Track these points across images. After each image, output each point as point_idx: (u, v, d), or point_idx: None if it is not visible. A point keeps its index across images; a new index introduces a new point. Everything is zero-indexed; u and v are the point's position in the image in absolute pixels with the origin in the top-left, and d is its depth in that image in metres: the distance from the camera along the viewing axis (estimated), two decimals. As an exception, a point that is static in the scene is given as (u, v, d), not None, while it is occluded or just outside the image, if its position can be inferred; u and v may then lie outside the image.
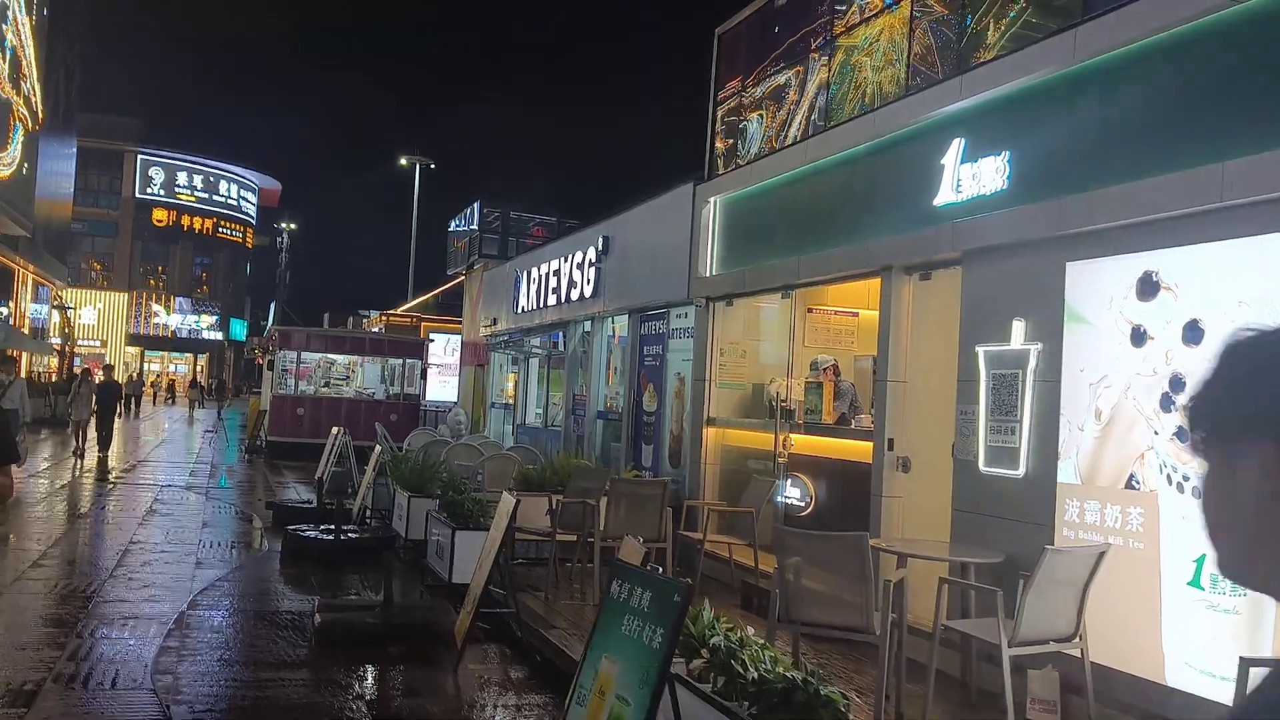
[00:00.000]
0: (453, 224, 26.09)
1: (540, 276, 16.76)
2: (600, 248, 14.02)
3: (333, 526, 11.59)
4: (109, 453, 21.24)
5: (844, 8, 9.43)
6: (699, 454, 10.87)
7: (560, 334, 16.48)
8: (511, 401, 19.43)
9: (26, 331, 42.84)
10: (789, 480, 9.39)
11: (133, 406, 42.12)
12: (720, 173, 11.08)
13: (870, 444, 8.20)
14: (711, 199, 10.98)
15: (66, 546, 11.01)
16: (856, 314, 10.75)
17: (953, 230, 7.19)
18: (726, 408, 10.86)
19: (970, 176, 7.10)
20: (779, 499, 9.40)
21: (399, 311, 38.80)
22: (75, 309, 59.10)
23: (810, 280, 9.32)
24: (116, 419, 23.05)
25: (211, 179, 78.02)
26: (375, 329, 35.57)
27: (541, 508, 9.65)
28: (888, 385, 7.92)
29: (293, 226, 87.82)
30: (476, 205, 23.04)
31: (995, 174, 6.87)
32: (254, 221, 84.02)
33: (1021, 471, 6.46)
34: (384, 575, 8.37)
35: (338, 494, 15.17)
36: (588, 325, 15.02)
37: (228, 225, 79.50)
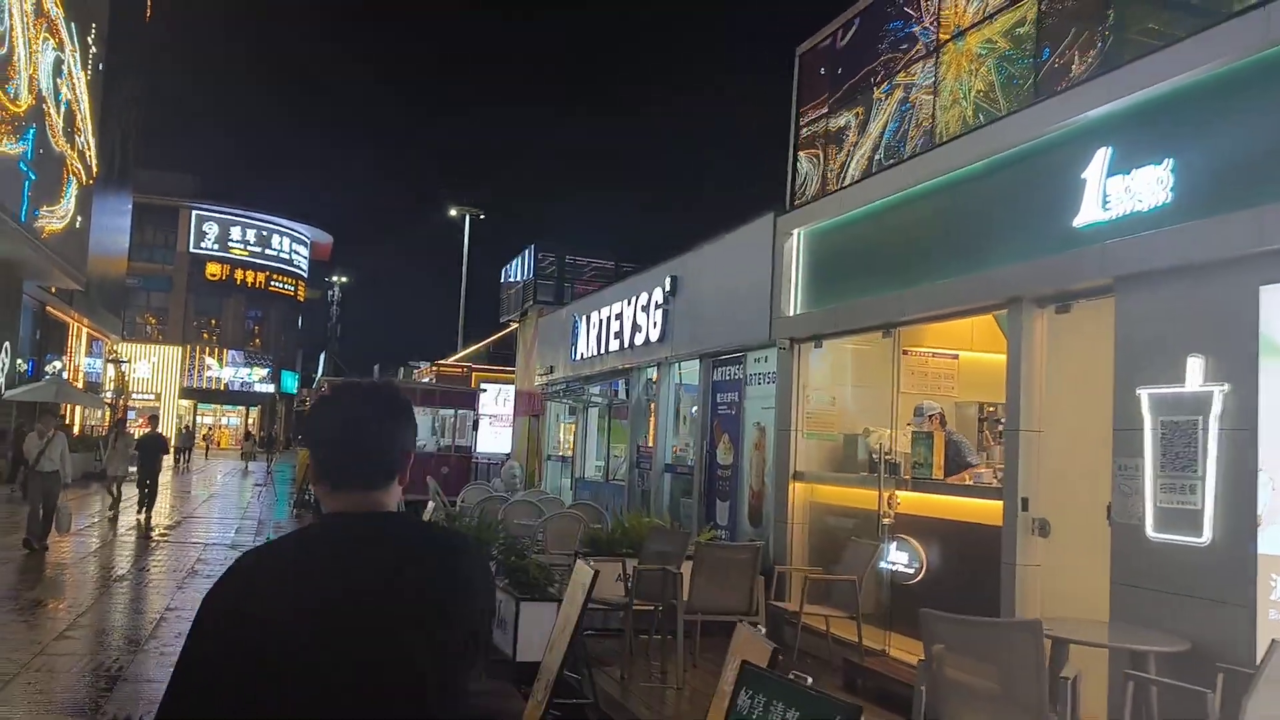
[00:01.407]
0: (505, 271, 25.37)
1: (600, 321, 15.87)
2: (668, 289, 13.10)
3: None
4: (152, 510, 19.62)
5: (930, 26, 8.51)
6: (784, 512, 9.81)
7: (622, 382, 15.54)
8: (569, 454, 18.48)
9: (81, 385, 42.82)
10: (894, 543, 8.31)
11: (184, 459, 41.67)
12: (804, 202, 10.13)
13: (994, 503, 7.13)
14: (794, 231, 10.03)
15: (97, 615, 10.16)
16: (956, 356, 9.70)
17: (1102, 253, 6.16)
18: (815, 461, 9.81)
19: (1122, 190, 6.08)
20: (883, 565, 8.32)
21: (449, 361, 38.19)
22: (130, 362, 59.37)
23: (917, 317, 8.31)
24: (164, 473, 21.85)
25: (264, 233, 78.62)
26: (425, 379, 34.93)
27: (611, 573, 8.66)
28: (1019, 435, 6.85)
29: (344, 279, 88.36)
30: (530, 250, 22.28)
31: (1156, 186, 5.85)
32: (306, 275, 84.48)
33: (1206, 539, 5.36)
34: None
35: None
36: (653, 372, 14.08)
37: (280, 279, 79.93)
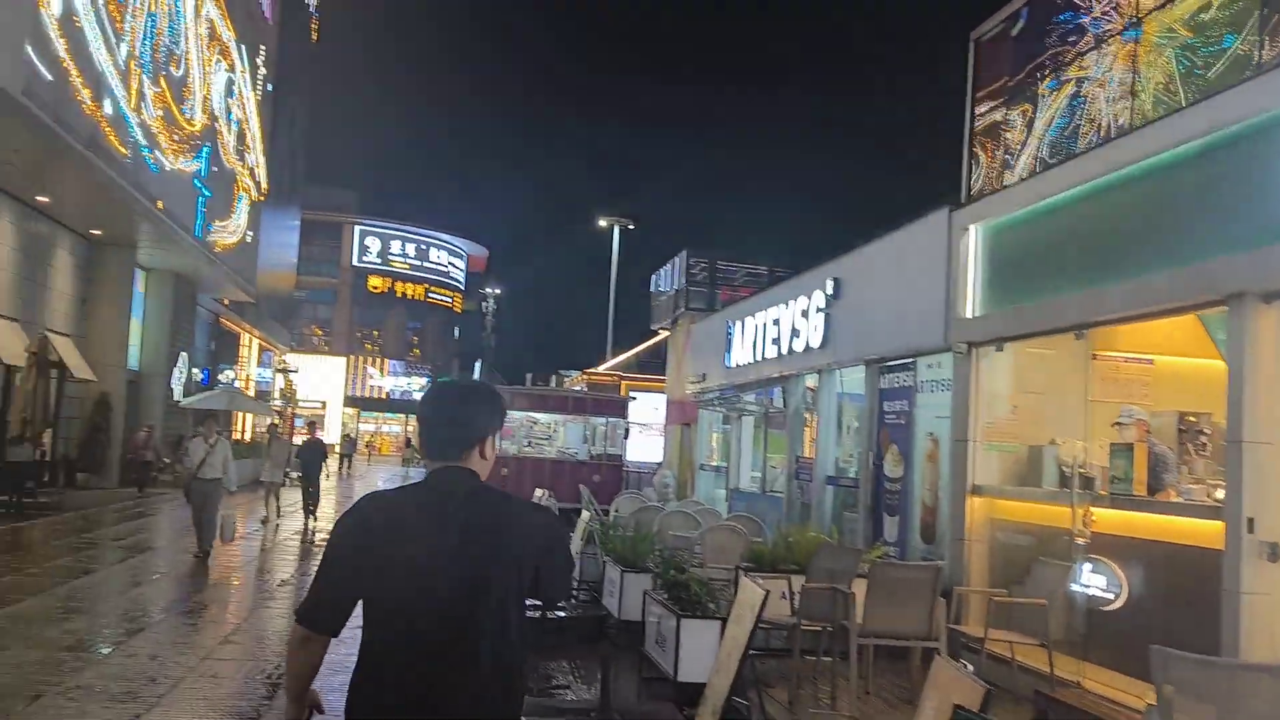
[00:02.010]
0: (655, 278, 25.12)
1: (756, 327, 15.38)
2: (829, 292, 12.51)
3: (539, 603, 10.45)
4: (314, 515, 19.78)
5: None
6: (961, 529, 9.13)
7: (780, 389, 15.01)
8: (723, 463, 18.03)
9: (252, 394, 44.75)
10: (1088, 565, 7.56)
11: (347, 465, 42.98)
12: (983, 194, 9.44)
13: (1210, 523, 6.35)
14: (971, 227, 9.35)
15: (259, 620, 10.25)
16: (1151, 361, 8.86)
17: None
18: (995, 474, 9.10)
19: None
20: (1076, 588, 7.58)
21: (600, 370, 38.22)
22: (297, 372, 61.88)
23: (1116, 316, 7.56)
24: (328, 479, 22.65)
25: (423, 247, 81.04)
26: (577, 388, 35.02)
27: (776, 590, 8.18)
28: (1243, 448, 6.08)
29: (497, 291, 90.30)
30: (681, 256, 21.93)
31: None
32: (462, 287, 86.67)
33: None
34: (601, 672, 7.08)
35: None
36: (813, 379, 13.52)
37: (438, 291, 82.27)
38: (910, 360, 10.66)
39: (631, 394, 29.31)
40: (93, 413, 24.58)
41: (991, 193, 9.23)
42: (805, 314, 13.31)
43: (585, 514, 11.83)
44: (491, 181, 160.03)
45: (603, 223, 47.62)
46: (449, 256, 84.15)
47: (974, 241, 9.33)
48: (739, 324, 16.28)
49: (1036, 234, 8.63)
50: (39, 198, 21.05)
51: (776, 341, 14.39)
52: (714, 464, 18.84)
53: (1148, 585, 7.16)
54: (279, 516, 19.74)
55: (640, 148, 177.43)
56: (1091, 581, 7.55)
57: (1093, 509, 7.55)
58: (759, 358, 15.22)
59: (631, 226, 47.38)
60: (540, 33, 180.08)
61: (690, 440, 20.71)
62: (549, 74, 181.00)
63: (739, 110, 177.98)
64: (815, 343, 12.92)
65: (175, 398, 30.31)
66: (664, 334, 33.24)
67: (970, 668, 3.99)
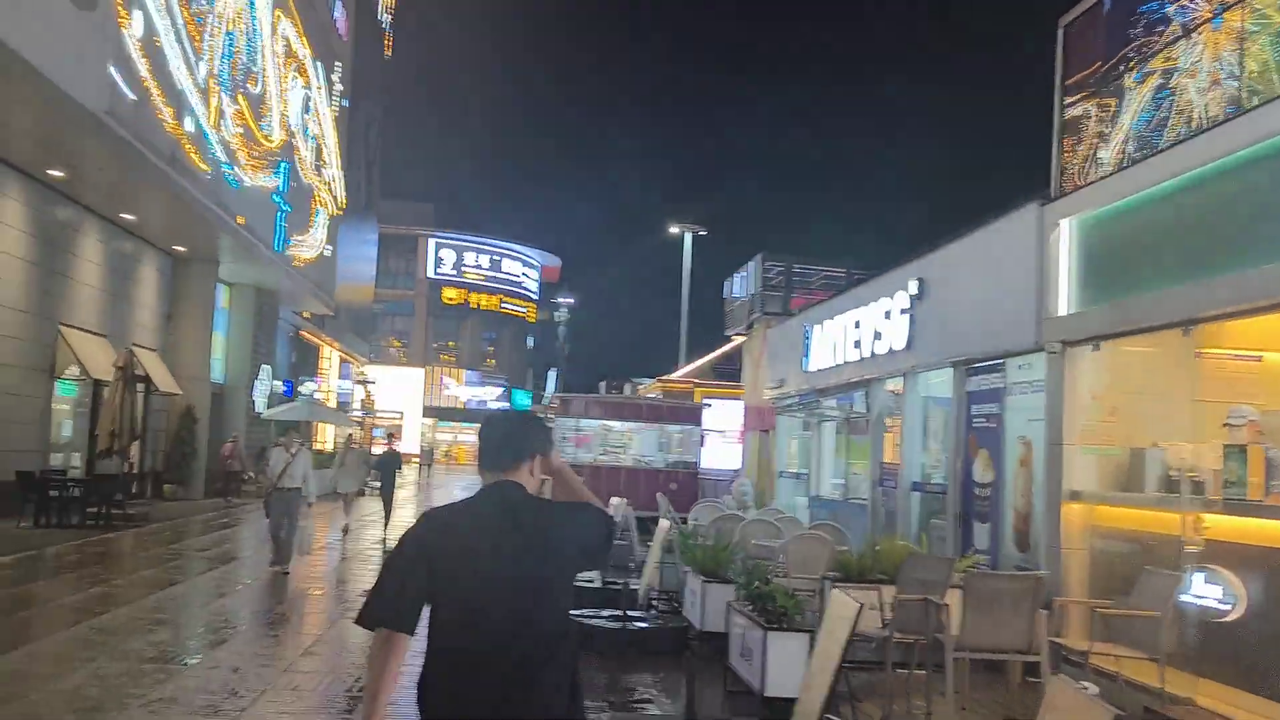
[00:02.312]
0: (728, 283, 24.84)
1: (836, 330, 15.03)
2: (913, 292, 12.15)
3: (619, 613, 10.27)
4: (388, 526, 19.63)
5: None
6: (1058, 537, 8.72)
7: (861, 393, 14.65)
8: (803, 470, 17.69)
9: (333, 406, 45.44)
10: (1202, 574, 7.13)
11: (425, 474, 43.41)
12: (1075, 188, 9.03)
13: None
14: (1063, 221, 8.95)
15: (339, 631, 10.20)
16: (1260, 357, 8.39)
17: None
18: (1093, 479, 8.67)
19: None
20: (1188, 599, 7.16)
21: (674, 378, 38.01)
22: (376, 383, 62.74)
23: (1224, 311, 7.14)
24: (404, 488, 22.53)
25: (496, 258, 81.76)
26: (651, 395, 34.87)
27: (865, 601, 7.88)
28: (1376, 449, 5.64)
29: (569, 301, 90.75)
30: (757, 260, 21.62)
31: None
32: (536, 297, 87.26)
33: None
34: (685, 686, 6.86)
35: (618, 570, 13.99)
36: (896, 382, 13.15)
37: (512, 301, 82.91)
38: (999, 361, 10.26)
39: (706, 401, 29.04)
40: (178, 425, 25.08)
41: (1083, 186, 8.81)
42: (888, 315, 12.95)
43: (664, 523, 11.61)
44: (564, 191, 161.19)
45: (674, 229, 47.52)
46: (522, 267, 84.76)
47: (1067, 236, 8.92)
48: (818, 327, 15.94)
49: (1135, 227, 8.22)
50: (124, 215, 21.53)
51: (858, 344, 14.04)
52: (793, 471, 18.49)
53: (1268, 595, 6.72)
54: (349, 525, 19.48)
55: (714, 152, 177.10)
56: (1205, 592, 7.12)
57: (1204, 515, 7.12)
58: (839, 361, 14.87)
59: (703, 233, 47.22)
60: (613, 39, 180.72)
61: (768, 447, 20.38)
62: (621, 80, 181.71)
63: (813, 111, 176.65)
64: (899, 345, 12.55)
65: (258, 410, 30.82)
66: (738, 340, 32.98)
67: (1092, 689, 3.69)
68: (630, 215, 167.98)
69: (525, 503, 3.05)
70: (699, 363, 39.88)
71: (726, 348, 35.80)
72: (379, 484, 20.29)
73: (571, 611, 3.01)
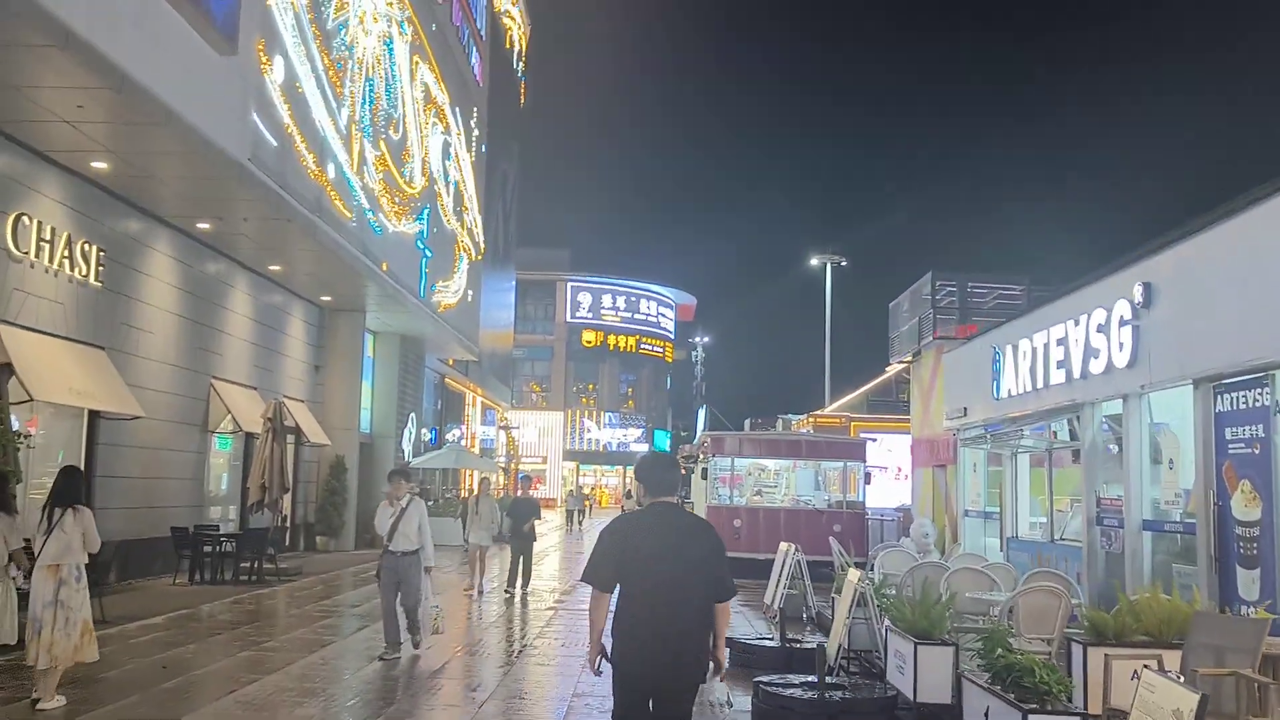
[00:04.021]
0: (893, 307, 23.25)
1: (1034, 350, 13.42)
2: (1138, 300, 10.53)
3: (813, 680, 8.94)
4: (527, 588, 16.71)
5: None
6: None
7: (1068, 420, 13.00)
8: (993, 509, 15.99)
9: (477, 451, 45.33)
10: None
11: (576, 519, 42.39)
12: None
13: None
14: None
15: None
16: None
17: None
18: None
19: None
20: None
21: (826, 412, 36.39)
22: (519, 428, 62.81)
23: None
24: (545, 536, 19.18)
25: (632, 299, 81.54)
26: (803, 431, 33.34)
27: (1126, 671, 6.40)
28: None
29: (705, 339, 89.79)
30: (926, 279, 20.01)
31: None
32: (673, 336, 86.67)
33: None
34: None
35: (793, 622, 12.63)
36: (1115, 406, 11.50)
37: (649, 342, 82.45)
38: (1263, 374, 8.61)
39: (863, 435, 27.41)
40: (328, 476, 24.85)
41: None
42: (1103, 329, 11.32)
43: (853, 572, 10.21)
44: (698, 228, 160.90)
45: (814, 261, 46.15)
46: (658, 307, 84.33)
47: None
48: (1009, 349, 14.33)
49: None
50: (271, 267, 21.44)
51: (1063, 364, 12.41)
52: (982, 509, 16.78)
53: None
54: (480, 585, 16.89)
55: (854, 181, 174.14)
56: None
57: None
58: (1039, 385, 13.23)
59: (844, 264, 45.71)
60: (740, 70, 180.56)
61: (945, 483, 18.71)
62: (748, 109, 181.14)
63: (945, 130, 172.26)
64: (1121, 362, 10.89)
65: (406, 458, 30.60)
66: (894, 369, 31.21)
67: None
68: (765, 251, 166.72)
69: (682, 515, 5.21)
70: (851, 396, 38.18)
71: (881, 378, 34.08)
72: (509, 538, 17.40)
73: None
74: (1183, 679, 4.33)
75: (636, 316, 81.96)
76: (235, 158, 15.21)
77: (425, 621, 10.71)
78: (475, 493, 19.10)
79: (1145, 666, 4.81)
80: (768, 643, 11.64)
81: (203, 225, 18.04)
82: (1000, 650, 6.55)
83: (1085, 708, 6.72)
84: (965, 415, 16.52)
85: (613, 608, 5.04)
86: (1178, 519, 10.20)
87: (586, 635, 12.66)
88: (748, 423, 40.95)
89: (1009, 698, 6.11)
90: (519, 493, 18.55)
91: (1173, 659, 6.39)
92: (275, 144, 16.91)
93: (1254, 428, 8.72)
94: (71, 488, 8.35)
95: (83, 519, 8.14)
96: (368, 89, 22.75)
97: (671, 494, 5.14)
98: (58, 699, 8.01)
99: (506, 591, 16.56)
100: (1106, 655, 6.21)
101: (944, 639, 8.21)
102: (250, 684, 9.15)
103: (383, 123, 24.14)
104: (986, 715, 6.43)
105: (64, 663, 7.98)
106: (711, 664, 5.03)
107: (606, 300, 79.98)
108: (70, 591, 7.99)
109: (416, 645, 10.79)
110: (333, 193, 19.93)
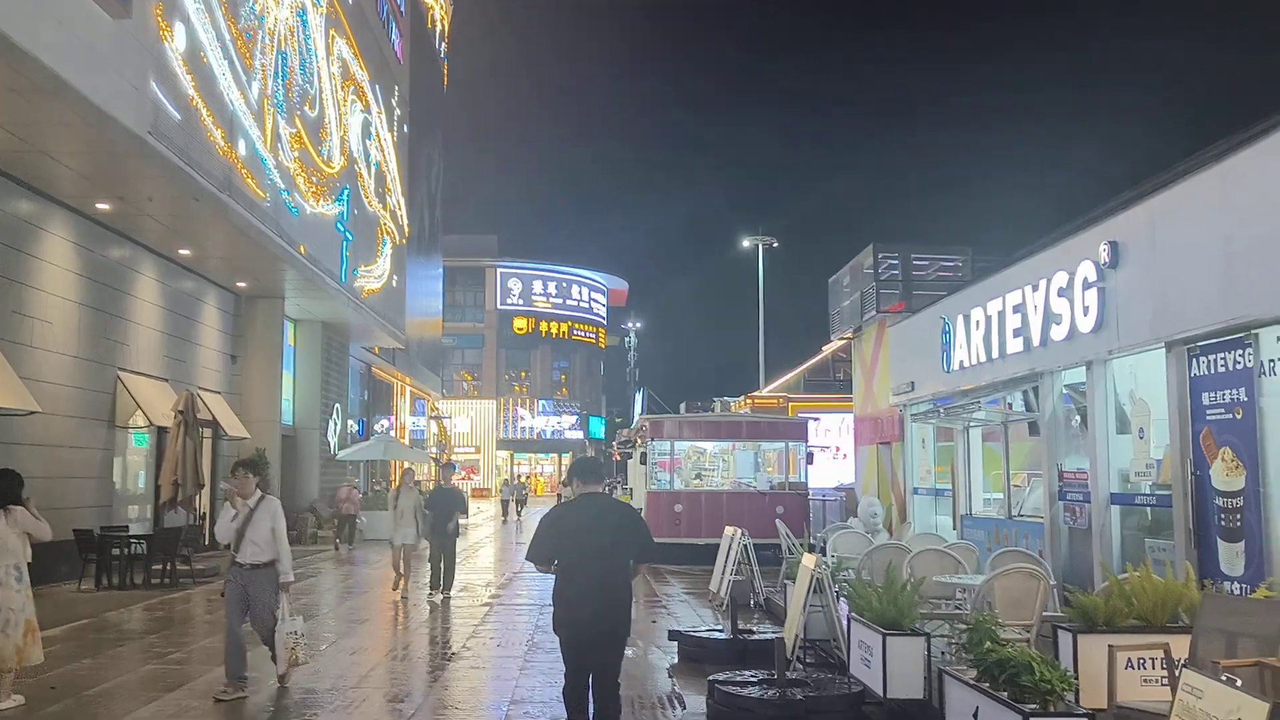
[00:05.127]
0: (832, 284, 22.65)
1: (988, 319, 12.86)
2: (1104, 260, 9.96)
3: (771, 675, 8.24)
4: (450, 590, 14.87)
5: None
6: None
7: (1024, 391, 12.48)
8: (944, 485, 15.48)
9: (406, 443, 44.08)
10: None
11: (517, 513, 41.02)
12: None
13: None
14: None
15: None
16: None
17: None
18: None
19: None
20: None
21: (765, 393, 35.91)
22: (450, 418, 61.58)
23: None
24: (480, 529, 16.96)
25: (563, 284, 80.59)
26: (743, 412, 32.80)
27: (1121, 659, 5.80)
28: None
29: (638, 325, 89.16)
30: (868, 252, 19.39)
31: None
32: (605, 322, 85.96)
33: None
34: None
35: (742, 609, 11.97)
36: (1078, 374, 10.97)
37: (581, 327, 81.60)
38: (1242, 334, 8.08)
39: (812, 415, 26.93)
40: (249, 471, 23.61)
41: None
42: (1064, 293, 10.77)
43: (809, 557, 9.51)
44: (627, 213, 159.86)
45: (746, 243, 45.71)
46: (590, 292, 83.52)
47: (1359, 157, 6.77)
48: (960, 319, 13.76)
49: None
50: (181, 251, 20.19)
51: (1020, 332, 11.85)
52: (932, 486, 16.27)
53: None
54: (405, 589, 15.16)
55: (783, 159, 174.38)
56: None
57: None
58: (994, 355, 12.67)
59: (775, 245, 45.34)
60: (668, 56, 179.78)
61: (891, 461, 18.20)
62: (681, 95, 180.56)
63: (884, 111, 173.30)
64: (1085, 327, 10.33)
65: (331, 451, 29.43)
66: (831, 348, 30.77)
67: None
68: (698, 233, 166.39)
69: (609, 501, 6.99)
70: (788, 376, 37.73)
71: (819, 358, 33.69)
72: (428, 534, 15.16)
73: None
74: (1238, 681, 3.66)
75: (568, 302, 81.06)
76: (134, 130, 14.07)
77: (282, 650, 8.59)
78: (395, 485, 17.34)
79: (1143, 655, 4.16)
80: (719, 635, 10.93)
81: (103, 206, 16.80)
82: (989, 643, 5.88)
83: (1077, 702, 6.09)
84: (913, 390, 15.98)
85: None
86: (1149, 491, 9.69)
87: (524, 635, 11.99)
88: (683, 406, 40.35)
89: (1004, 697, 5.44)
90: (440, 482, 16.36)
91: (1179, 645, 5.78)
92: (179, 117, 15.73)
93: (1235, 391, 8.20)
94: (4, 489, 7.99)
95: (17, 518, 7.91)
96: (280, 62, 21.53)
97: (599, 485, 6.62)
98: (14, 699, 7.89)
99: (429, 599, 14.75)
100: (1111, 646, 5.58)
101: (914, 629, 7.56)
102: (150, 703, 8.20)
103: (298, 98, 22.92)
104: (976, 716, 5.77)
105: (8, 665, 7.77)
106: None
107: (537, 286, 78.93)
108: (9, 593, 7.77)
109: (281, 680, 8.73)
110: (244, 171, 18.75)
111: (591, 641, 6.16)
